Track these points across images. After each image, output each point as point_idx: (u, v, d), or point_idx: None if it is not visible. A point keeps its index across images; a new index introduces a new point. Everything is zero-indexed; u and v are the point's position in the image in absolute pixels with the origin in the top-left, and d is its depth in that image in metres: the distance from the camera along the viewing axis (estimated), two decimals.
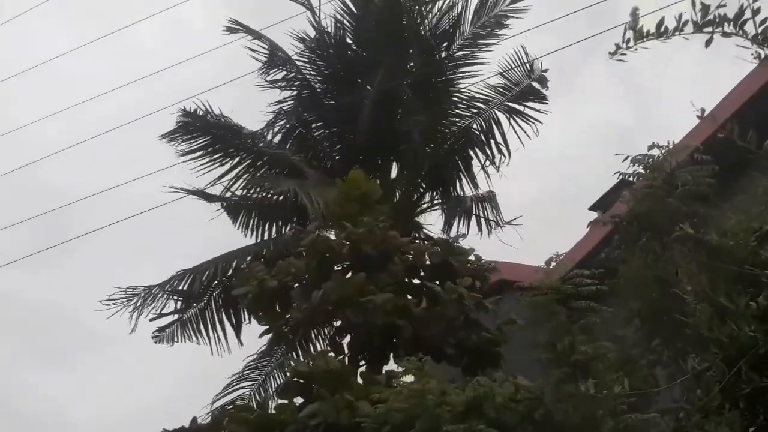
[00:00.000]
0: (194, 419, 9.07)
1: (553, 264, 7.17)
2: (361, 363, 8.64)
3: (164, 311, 12.33)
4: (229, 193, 12.67)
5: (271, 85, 12.89)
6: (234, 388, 12.06)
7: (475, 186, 12.80)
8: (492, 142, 12.47)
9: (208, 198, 12.63)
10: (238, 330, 12.45)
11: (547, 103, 12.06)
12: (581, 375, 6.34)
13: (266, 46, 12.75)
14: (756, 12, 3.50)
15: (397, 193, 12.52)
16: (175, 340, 12.49)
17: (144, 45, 21.40)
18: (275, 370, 12.04)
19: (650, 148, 9.95)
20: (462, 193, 12.92)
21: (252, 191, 12.72)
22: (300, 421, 7.29)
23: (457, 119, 12.82)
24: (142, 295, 12.25)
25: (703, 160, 8.35)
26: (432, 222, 12.93)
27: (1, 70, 16.42)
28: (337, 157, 13.19)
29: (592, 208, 12.22)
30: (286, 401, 7.96)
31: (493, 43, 12.68)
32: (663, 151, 8.57)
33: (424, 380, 6.71)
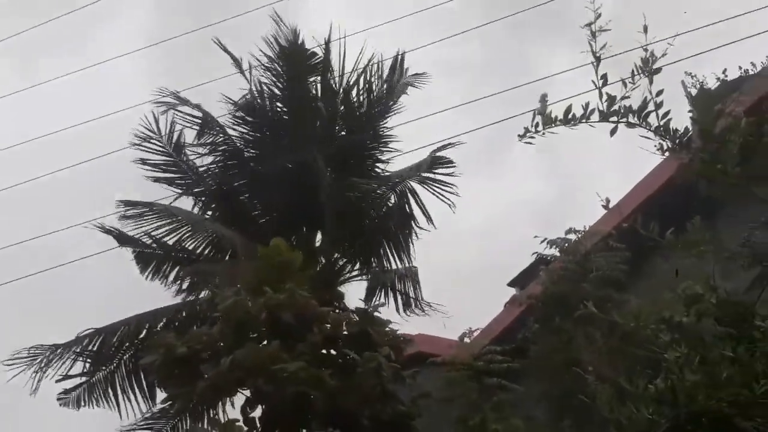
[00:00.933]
0: None
1: (467, 339, 7.22)
2: None
3: (71, 372, 11.85)
4: (146, 239, 12.37)
5: (201, 148, 12.89)
6: None
7: (399, 258, 12.84)
8: (411, 212, 12.58)
9: (122, 240, 12.28)
10: (151, 397, 11.97)
11: (455, 167, 12.17)
12: None
13: (199, 114, 12.78)
14: (658, 105, 3.68)
15: (320, 262, 12.46)
16: (82, 404, 11.93)
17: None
18: None
19: (567, 232, 10.31)
20: (386, 265, 12.93)
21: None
22: None
23: (376, 191, 12.95)
24: (48, 354, 11.73)
25: (616, 247, 8.65)
26: (354, 293, 12.88)
27: None
28: (261, 221, 13.11)
29: (511, 284, 12.43)
30: None
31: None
32: (578, 235, 8.89)
33: None
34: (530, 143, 3.37)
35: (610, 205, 4.52)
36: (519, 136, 3.37)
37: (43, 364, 11.63)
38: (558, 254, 9.04)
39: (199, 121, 12.85)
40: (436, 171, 12.23)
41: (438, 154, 12.02)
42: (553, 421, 6.55)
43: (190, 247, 12.61)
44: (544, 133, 3.33)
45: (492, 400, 6.80)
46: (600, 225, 8.78)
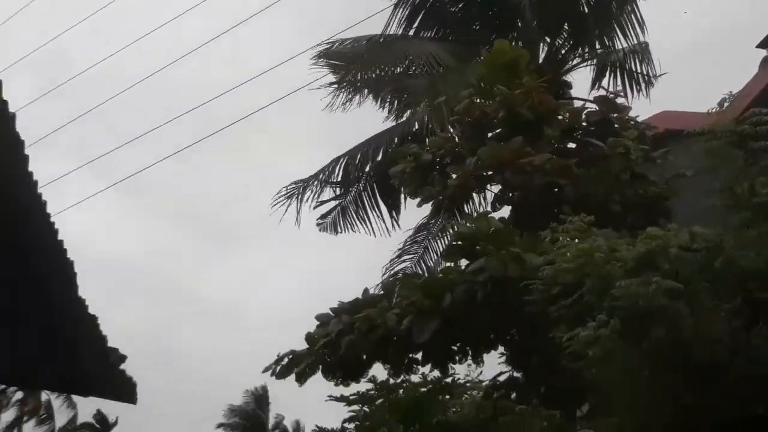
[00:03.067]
0: (366, 290, 9.41)
1: (726, 105, 6.59)
2: (522, 230, 8.50)
3: (323, 199, 12.77)
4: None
5: None
6: (398, 261, 12.42)
7: (624, 35, 11.89)
8: None
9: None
10: (395, 211, 12.65)
11: None
12: (763, 218, 5.91)
13: None
14: None
15: (541, 55, 11.94)
16: (338, 228, 12.87)
17: None
18: (435, 240, 12.22)
19: None
20: (609, 45, 12.08)
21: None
22: (467, 279, 7.32)
23: None
24: (302, 186, 12.67)
25: None
26: (579, 82, 12.28)
27: None
28: (476, 28, 12.69)
29: (761, 46, 11.13)
30: (451, 264, 8.04)
31: None
32: None
33: (592, 238, 6.50)
34: None
35: None
36: None
37: (299, 195, 12.62)
38: None
39: None
40: None
41: None
42: None
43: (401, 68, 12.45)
44: None
45: (760, 164, 6.25)
46: None
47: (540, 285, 6.34)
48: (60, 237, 3.72)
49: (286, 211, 12.43)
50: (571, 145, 9.04)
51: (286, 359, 9.11)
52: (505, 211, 9.12)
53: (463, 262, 8.07)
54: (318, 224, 12.91)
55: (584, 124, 8.96)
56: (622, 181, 8.16)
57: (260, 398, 41.57)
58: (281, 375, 9.12)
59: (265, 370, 9.18)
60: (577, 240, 6.60)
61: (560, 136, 8.73)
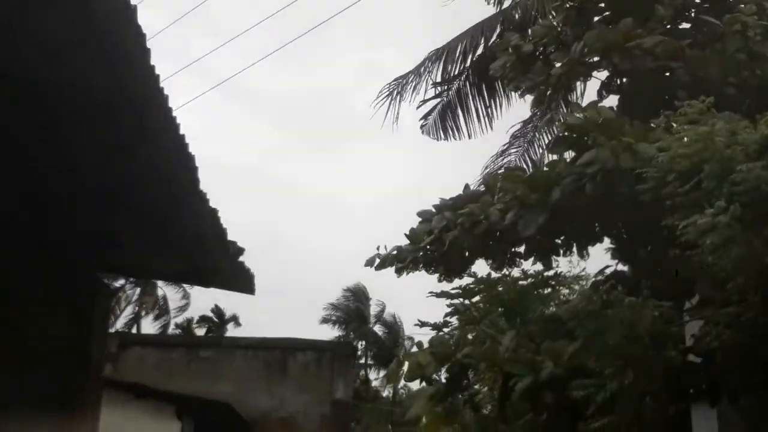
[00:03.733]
0: (467, 186, 9.36)
1: None
2: (632, 117, 8.15)
3: (424, 98, 12.58)
4: None
5: None
6: (501, 156, 12.25)
7: None
8: None
9: None
10: (497, 107, 12.35)
11: None
12: None
13: None
14: None
15: None
16: (439, 129, 12.68)
17: None
18: (540, 133, 11.94)
19: None
20: None
21: None
22: (576, 171, 7.14)
23: None
24: (402, 84, 12.49)
25: None
26: None
27: None
28: None
29: None
30: (557, 157, 7.86)
31: None
32: None
33: (711, 122, 6.16)
34: None
35: None
36: None
37: (400, 92, 12.47)
38: None
39: None
40: None
41: None
42: None
43: None
44: None
45: None
46: None
47: (654, 173, 6.10)
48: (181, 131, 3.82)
49: (387, 111, 12.38)
50: (685, 25, 8.50)
51: (387, 253, 9.29)
52: (613, 100, 8.79)
53: (570, 155, 7.88)
54: (420, 126, 12.80)
55: (697, 1, 8.36)
56: (738, 62, 7.62)
57: (359, 293, 43.14)
58: (381, 266, 9.33)
59: (367, 263, 9.41)
60: (694, 125, 6.27)
61: (672, 15, 8.19)
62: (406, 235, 9.24)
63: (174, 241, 5.11)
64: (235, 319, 41.99)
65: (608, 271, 8.94)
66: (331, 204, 69.67)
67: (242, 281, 6.15)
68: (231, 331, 41.22)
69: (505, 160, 12.22)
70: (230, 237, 5.33)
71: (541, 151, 11.97)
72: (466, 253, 8.87)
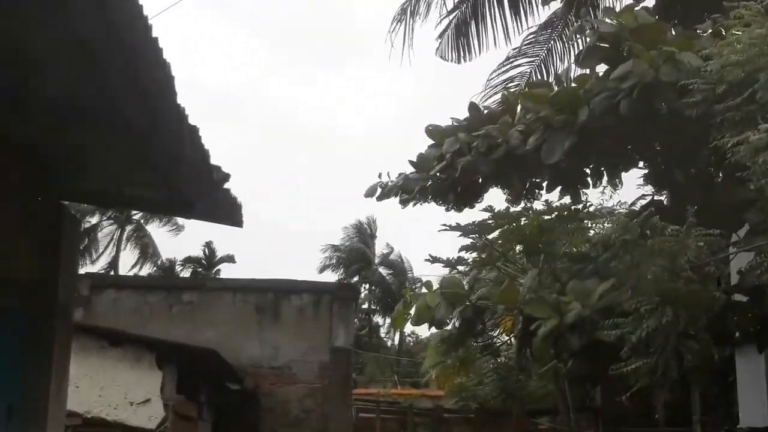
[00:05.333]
0: (472, 105, 9.19)
1: None
2: (674, 21, 7.96)
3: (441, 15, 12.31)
4: None
5: None
6: (509, 64, 11.94)
7: None
8: None
9: None
10: (515, 19, 12.08)
11: None
12: None
13: None
14: None
15: None
16: (452, 49, 12.45)
17: None
18: (562, 41, 11.63)
19: None
20: None
21: None
22: (609, 87, 6.99)
23: None
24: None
25: None
26: None
27: None
28: None
29: None
30: (587, 71, 7.70)
31: None
32: None
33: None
34: None
35: None
36: None
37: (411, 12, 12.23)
38: None
39: None
40: None
41: None
42: None
43: None
44: None
45: None
46: None
47: (701, 85, 5.95)
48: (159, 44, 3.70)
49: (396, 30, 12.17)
50: None
51: (392, 183, 9.20)
52: (652, 2, 8.55)
53: (602, 68, 7.70)
54: (436, 48, 12.60)
55: None
56: None
57: (363, 231, 43.33)
58: (383, 197, 9.25)
59: (368, 193, 9.32)
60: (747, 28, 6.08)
61: None
62: (411, 162, 9.13)
63: (149, 164, 5.01)
64: (230, 258, 42.11)
65: (643, 201, 8.92)
66: (325, 132, 69.49)
67: (228, 211, 6.07)
68: (226, 272, 41.43)
69: (515, 71, 11.93)
70: (214, 162, 5.25)
71: (560, 62, 11.71)
72: (480, 180, 8.80)
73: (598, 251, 6.95)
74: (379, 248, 44.43)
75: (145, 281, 20.32)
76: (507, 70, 11.98)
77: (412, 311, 9.46)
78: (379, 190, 9.26)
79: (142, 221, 39.18)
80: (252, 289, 14.68)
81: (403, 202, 9.21)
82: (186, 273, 41.56)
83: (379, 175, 9.27)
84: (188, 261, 42.54)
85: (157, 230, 40.08)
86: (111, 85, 3.86)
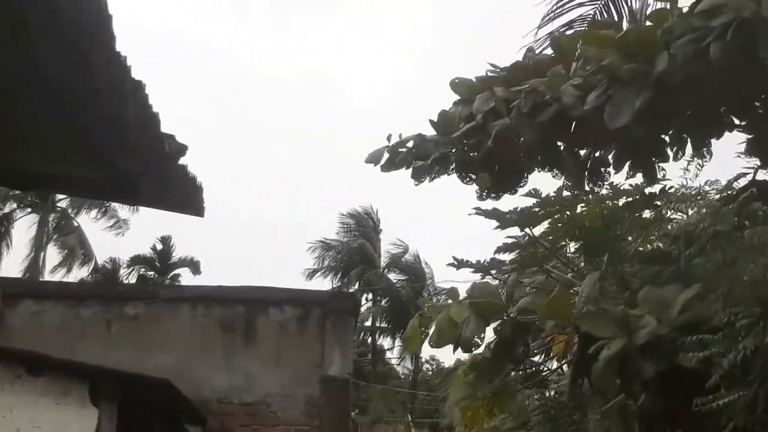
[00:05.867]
0: (530, 50, 9.21)
1: None
2: None
3: None
4: None
5: None
6: (568, 7, 12.04)
7: None
8: None
9: None
10: None
11: None
12: None
13: None
14: None
15: None
16: None
17: None
18: None
19: None
20: None
21: None
22: (696, 26, 7.00)
23: None
24: None
25: None
26: None
27: None
28: None
29: None
30: (666, 5, 7.72)
31: None
32: None
33: None
34: None
35: None
36: None
37: None
38: None
39: None
40: None
41: None
42: None
43: None
44: None
45: None
46: None
47: None
48: None
49: None
50: None
51: (403, 148, 9.20)
52: None
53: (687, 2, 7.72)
54: None
55: None
56: None
57: (364, 221, 43.38)
58: (390, 166, 9.23)
59: (371, 158, 9.30)
60: None
61: None
62: (432, 122, 9.13)
63: (80, 132, 5.05)
64: (191, 263, 42.21)
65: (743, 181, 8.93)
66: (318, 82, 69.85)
67: (185, 194, 6.12)
68: (186, 279, 41.68)
69: (574, 13, 12.00)
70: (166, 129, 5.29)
71: None
72: (521, 155, 8.81)
73: (680, 248, 6.96)
74: (386, 246, 44.49)
75: (75, 289, 20.42)
76: (561, 15, 12.06)
77: (432, 329, 9.50)
78: (386, 155, 9.23)
79: (69, 210, 39.29)
80: (218, 300, 14.77)
81: (418, 174, 9.19)
82: (133, 279, 41.79)
83: (388, 138, 9.26)
84: (136, 262, 42.73)
85: (93, 224, 40.30)
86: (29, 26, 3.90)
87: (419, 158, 8.99)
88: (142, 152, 5.28)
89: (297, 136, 68.95)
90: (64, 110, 4.79)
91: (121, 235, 39.96)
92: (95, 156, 5.51)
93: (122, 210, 37.42)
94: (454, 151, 8.84)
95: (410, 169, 9.13)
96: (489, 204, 9.57)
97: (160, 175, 5.75)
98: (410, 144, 9.08)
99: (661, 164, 8.75)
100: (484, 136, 8.52)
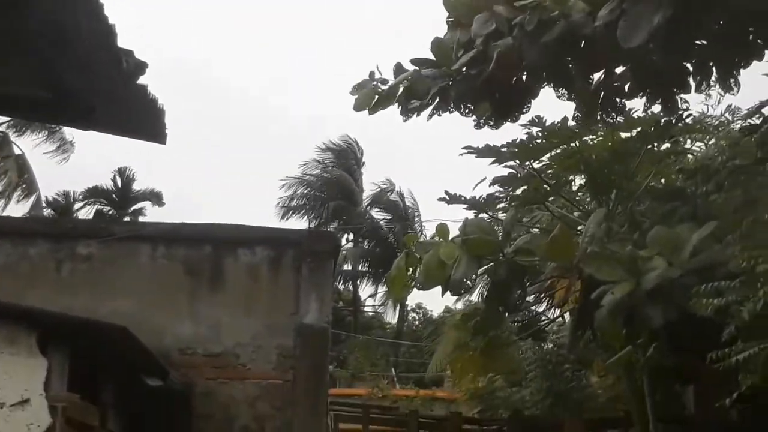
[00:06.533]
0: None
1: None
2: None
3: None
4: None
5: None
6: None
7: None
8: None
9: None
10: None
11: None
12: None
13: None
14: None
15: None
16: None
17: None
18: None
19: None
20: None
21: None
22: None
23: None
24: None
25: None
26: None
27: None
28: None
29: None
30: None
31: None
32: None
33: None
34: None
35: None
36: None
37: None
38: None
39: None
40: None
41: None
42: None
43: None
44: None
45: None
46: None
47: None
48: None
49: None
50: None
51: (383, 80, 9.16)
52: None
53: None
54: None
55: None
56: None
57: (345, 154, 43.24)
58: (380, 104, 9.20)
59: (355, 90, 9.28)
60: None
61: None
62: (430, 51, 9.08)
63: (20, 39, 4.99)
64: (153, 195, 41.81)
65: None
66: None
67: (142, 117, 6.05)
68: (151, 215, 41.26)
69: None
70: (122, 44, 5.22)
71: None
72: (524, 77, 8.78)
73: (697, 183, 6.97)
74: (369, 181, 44.32)
75: (20, 225, 20.28)
76: None
77: (419, 270, 9.52)
78: (375, 98, 9.19)
79: (10, 133, 38.72)
80: (181, 239, 14.66)
81: (407, 112, 9.16)
82: (89, 214, 41.44)
83: (371, 74, 9.24)
84: (93, 194, 42.38)
85: (37, 149, 39.77)
86: None
87: (415, 96, 8.95)
88: (95, 68, 5.22)
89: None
90: (9, 17, 4.73)
91: (66, 160, 39.10)
92: (40, 71, 5.45)
93: (70, 131, 36.59)
94: (452, 82, 8.78)
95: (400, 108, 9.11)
96: (486, 139, 9.59)
97: (116, 96, 5.69)
98: (403, 79, 9.03)
99: (682, 93, 8.74)
100: (485, 62, 8.47)
